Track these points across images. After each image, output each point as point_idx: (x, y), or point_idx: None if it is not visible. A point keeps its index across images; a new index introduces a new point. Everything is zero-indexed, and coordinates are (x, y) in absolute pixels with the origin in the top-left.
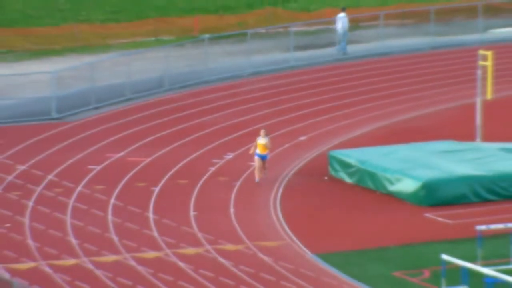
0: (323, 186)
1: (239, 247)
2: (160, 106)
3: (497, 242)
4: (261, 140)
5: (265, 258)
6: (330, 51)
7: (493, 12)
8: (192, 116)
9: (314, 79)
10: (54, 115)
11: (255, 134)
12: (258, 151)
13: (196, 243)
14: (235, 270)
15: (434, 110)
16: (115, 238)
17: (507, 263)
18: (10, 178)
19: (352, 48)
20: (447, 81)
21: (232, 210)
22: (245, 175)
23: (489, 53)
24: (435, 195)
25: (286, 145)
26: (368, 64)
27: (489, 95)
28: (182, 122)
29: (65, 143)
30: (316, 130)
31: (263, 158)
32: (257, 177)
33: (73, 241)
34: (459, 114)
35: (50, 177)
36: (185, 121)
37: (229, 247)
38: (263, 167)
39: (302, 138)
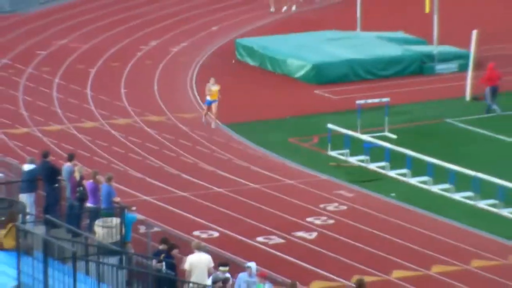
0: (231, 68)
1: (162, 118)
2: (96, 1)
3: (373, 113)
4: (213, 87)
5: (183, 127)
6: None
7: None
8: (123, 10)
9: None
10: (7, 8)
11: (178, 24)
12: (208, 97)
13: (126, 115)
14: (158, 137)
15: (321, 5)
16: (59, 111)
17: (382, 131)
18: None
19: None
20: None
21: (155, 87)
22: (167, 58)
23: None
24: (323, 75)
25: (201, 34)
26: None
27: None
28: (115, 14)
29: (17, 32)
30: (226, 21)
31: (213, 102)
32: (213, 124)
33: (24, 113)
34: (341, 8)
35: (4, 60)
36: (117, 14)
37: (153, 118)
38: (210, 111)
39: (214, 28)
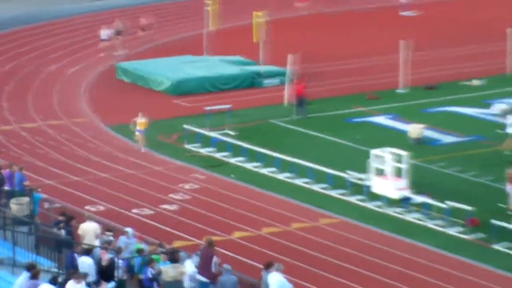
0: (112, 84)
1: (60, 122)
2: (7, 37)
3: (218, 116)
4: (141, 119)
5: (76, 128)
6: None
7: None
8: (29, 43)
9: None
10: None
11: (71, 53)
12: (138, 127)
13: (33, 120)
14: (58, 136)
15: (177, 37)
16: None
17: (224, 129)
18: None
19: None
20: (186, 18)
21: (56, 99)
22: (64, 77)
23: (211, 1)
24: (180, 89)
25: (90, 60)
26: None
27: (213, 27)
28: (24, 46)
29: None
30: (108, 52)
31: (142, 132)
32: (142, 148)
33: None
34: (194, 39)
35: None
36: (25, 45)
37: (54, 122)
38: (142, 138)
39: (102, 54)
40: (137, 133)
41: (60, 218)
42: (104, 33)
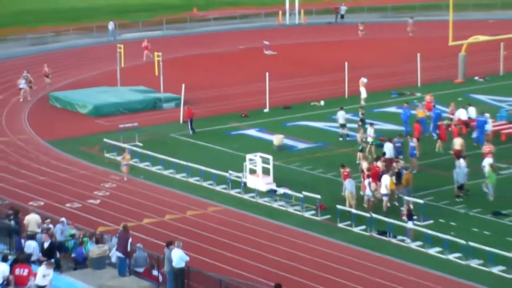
0: (47, 110)
1: (7, 138)
2: None
3: (129, 132)
4: (127, 155)
5: (21, 143)
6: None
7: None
8: None
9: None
10: None
11: (13, 85)
12: (125, 162)
13: None
14: (5, 149)
15: (96, 73)
16: None
17: (134, 142)
18: None
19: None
20: (98, 57)
21: (4, 121)
22: (9, 104)
23: (122, 45)
24: (100, 111)
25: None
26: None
27: (123, 64)
28: None
29: None
30: (24, 96)
31: (127, 165)
32: (126, 177)
33: None
34: (108, 75)
35: None
36: None
37: (2, 138)
38: (127, 170)
39: (21, 99)
40: (124, 166)
41: (10, 211)
42: (21, 82)
